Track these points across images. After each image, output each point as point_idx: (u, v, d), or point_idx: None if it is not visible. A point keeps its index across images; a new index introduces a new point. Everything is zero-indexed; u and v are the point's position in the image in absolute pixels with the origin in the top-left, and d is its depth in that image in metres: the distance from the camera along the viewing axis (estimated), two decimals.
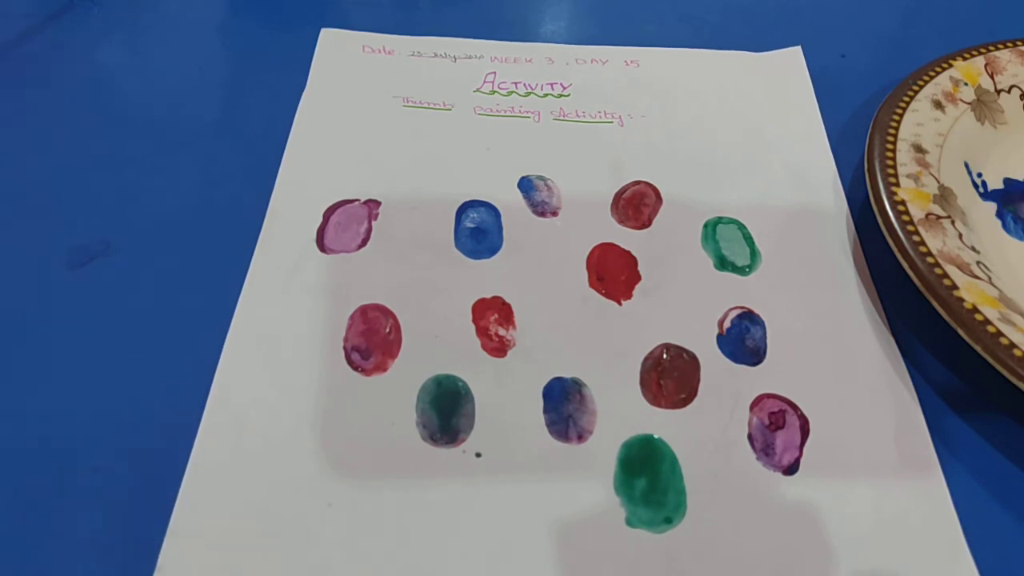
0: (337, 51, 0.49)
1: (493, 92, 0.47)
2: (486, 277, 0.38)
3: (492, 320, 0.37)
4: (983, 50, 0.46)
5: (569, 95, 0.47)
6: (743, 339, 0.36)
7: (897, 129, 0.41)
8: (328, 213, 0.40)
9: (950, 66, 0.44)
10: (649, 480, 0.32)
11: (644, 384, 0.35)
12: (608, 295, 0.38)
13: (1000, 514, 0.32)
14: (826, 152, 0.44)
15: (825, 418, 0.34)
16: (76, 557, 0.30)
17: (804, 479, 0.32)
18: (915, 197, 0.38)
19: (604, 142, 0.44)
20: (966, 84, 0.44)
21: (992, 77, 0.45)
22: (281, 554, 0.30)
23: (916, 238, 0.36)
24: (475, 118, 0.45)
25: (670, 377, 0.35)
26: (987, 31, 0.47)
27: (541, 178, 0.42)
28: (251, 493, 0.31)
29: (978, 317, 0.33)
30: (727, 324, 0.37)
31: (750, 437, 0.33)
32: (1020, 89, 0.45)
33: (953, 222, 0.38)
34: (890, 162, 0.39)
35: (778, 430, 0.34)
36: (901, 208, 0.37)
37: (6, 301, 0.37)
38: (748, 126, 0.45)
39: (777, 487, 0.32)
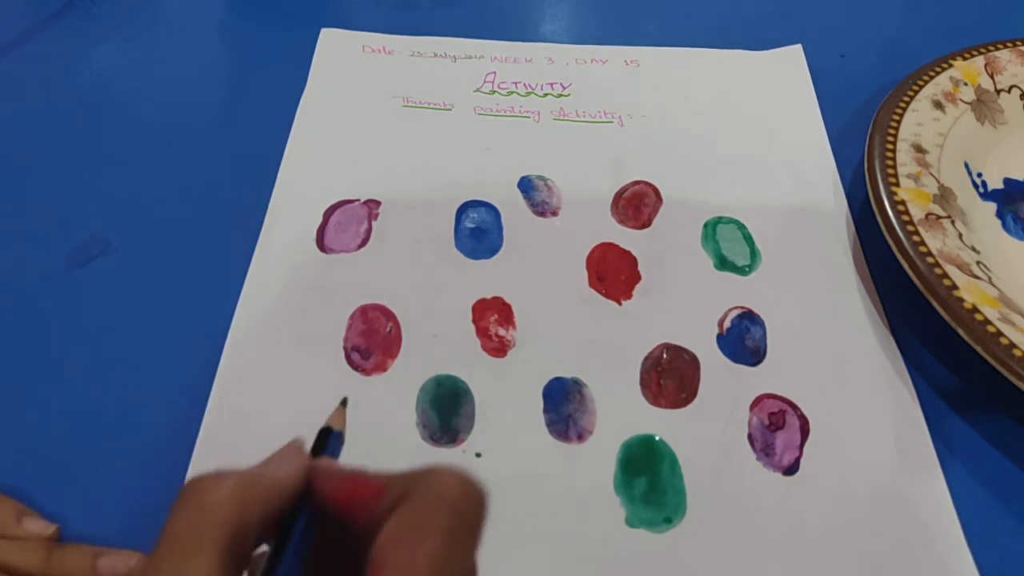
0: (337, 51, 0.49)
1: (493, 92, 0.47)
2: (486, 277, 0.38)
3: (492, 320, 0.37)
4: (983, 50, 0.46)
5: (569, 95, 0.47)
6: (743, 339, 0.36)
7: (897, 129, 0.41)
8: (328, 213, 0.40)
9: (950, 66, 0.44)
10: (649, 480, 0.32)
11: (644, 384, 0.35)
12: (608, 295, 0.38)
13: (1000, 514, 0.32)
14: (826, 152, 0.44)
15: (825, 418, 0.34)
16: None
17: (804, 479, 0.32)
18: (915, 197, 0.38)
19: (604, 142, 0.44)
20: (966, 84, 0.44)
21: (992, 77, 0.45)
22: None
23: (916, 238, 0.36)
24: (475, 118, 0.45)
25: (670, 377, 0.35)
26: (987, 31, 0.47)
27: (541, 178, 0.42)
28: None
29: (978, 317, 0.33)
30: (727, 324, 0.37)
31: (750, 437, 0.33)
32: (1020, 89, 0.45)
33: (953, 222, 0.38)
34: (890, 162, 0.39)
35: (778, 430, 0.34)
36: (901, 208, 0.37)
37: (6, 301, 0.37)
38: (748, 126, 0.45)
39: (777, 487, 0.32)
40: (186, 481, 0.18)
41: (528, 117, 0.45)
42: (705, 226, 0.40)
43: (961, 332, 0.33)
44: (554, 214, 0.41)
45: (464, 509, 0.18)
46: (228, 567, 0.17)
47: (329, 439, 0.22)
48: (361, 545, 0.17)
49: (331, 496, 0.19)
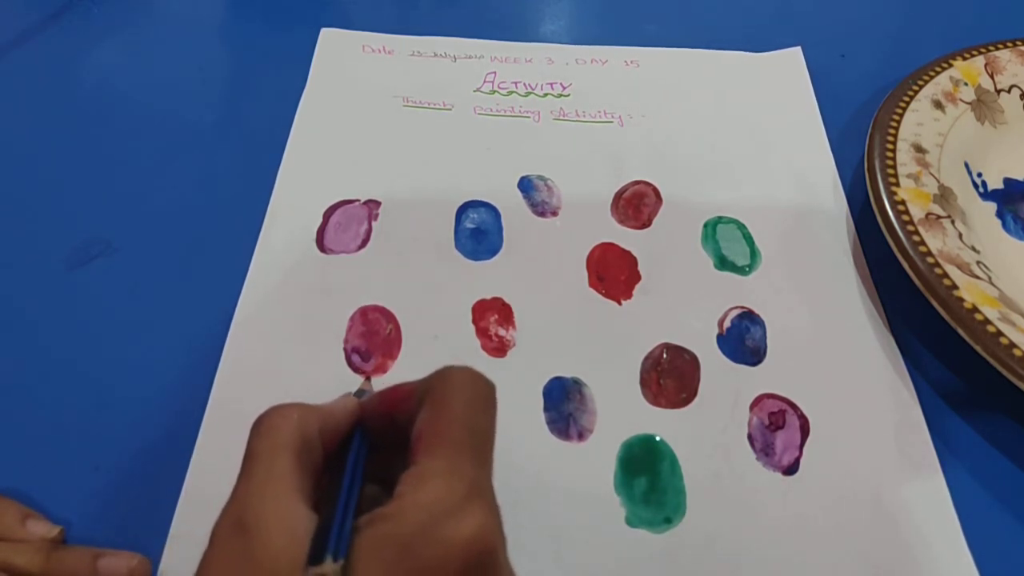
0: (337, 51, 0.49)
1: (493, 92, 0.47)
2: (486, 278, 0.38)
3: (492, 321, 0.37)
4: (983, 50, 0.46)
5: (569, 95, 0.47)
6: (743, 339, 0.36)
7: (897, 129, 0.41)
8: (328, 213, 0.40)
9: (950, 66, 0.44)
10: (649, 480, 0.32)
11: (644, 384, 0.35)
12: (608, 295, 0.38)
13: (1000, 514, 0.32)
14: (826, 152, 0.44)
15: (825, 418, 0.34)
16: None
17: (804, 479, 0.32)
18: (915, 197, 0.38)
19: (604, 142, 0.44)
20: (966, 84, 0.44)
21: (992, 77, 0.45)
22: None
23: (916, 238, 0.36)
24: (475, 118, 0.45)
25: (670, 377, 0.35)
26: (987, 31, 0.47)
27: (541, 178, 0.42)
28: None
29: (978, 317, 0.33)
30: (727, 324, 0.37)
31: (750, 437, 0.33)
32: (1020, 89, 0.45)
33: (953, 222, 0.38)
34: (890, 162, 0.39)
35: (778, 430, 0.34)
36: (901, 208, 0.37)
37: (6, 301, 0.37)
38: (748, 126, 0.45)
39: (777, 487, 0.32)
40: (256, 417, 0.22)
41: (528, 117, 0.45)
42: (705, 226, 0.41)
43: (961, 332, 0.33)
44: (554, 214, 0.41)
45: (475, 386, 0.22)
46: (301, 467, 0.21)
47: (362, 397, 0.27)
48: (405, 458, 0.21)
49: (376, 409, 0.24)
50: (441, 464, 0.20)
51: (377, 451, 0.24)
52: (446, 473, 0.20)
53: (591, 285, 0.38)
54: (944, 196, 0.39)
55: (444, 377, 0.22)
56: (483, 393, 0.23)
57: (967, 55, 0.45)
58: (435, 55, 0.49)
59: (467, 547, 0.18)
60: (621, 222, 0.41)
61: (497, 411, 0.23)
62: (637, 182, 0.42)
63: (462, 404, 0.22)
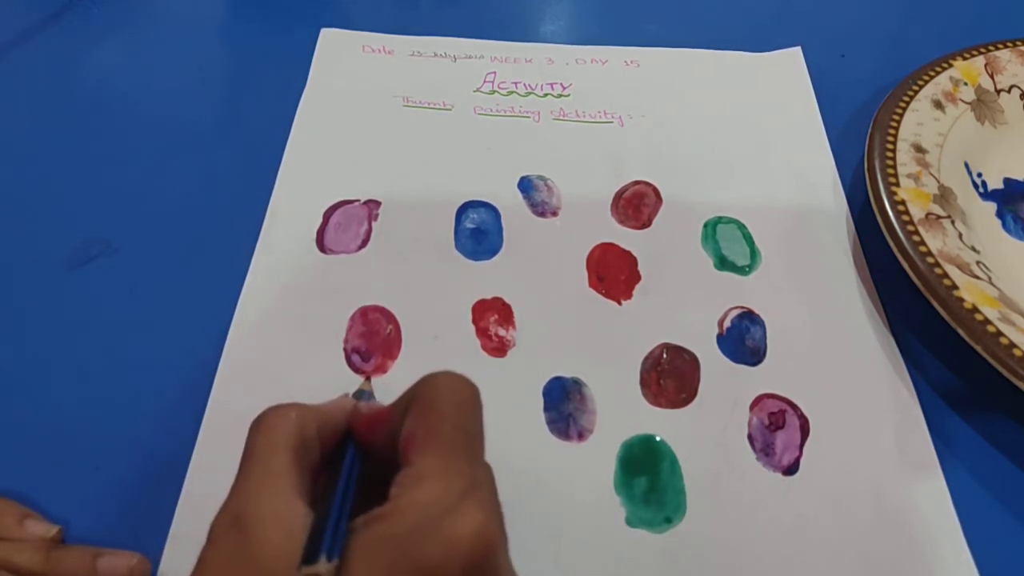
0: (337, 51, 0.49)
1: (493, 92, 0.47)
2: (486, 278, 0.38)
3: (492, 321, 0.37)
4: (983, 50, 0.46)
5: (569, 95, 0.47)
6: (743, 339, 0.36)
7: (897, 129, 0.41)
8: (328, 213, 0.40)
9: (950, 66, 0.44)
10: (649, 480, 0.32)
11: (644, 384, 0.35)
12: (608, 295, 0.38)
13: (1000, 514, 0.32)
14: (826, 152, 0.44)
15: (825, 418, 0.34)
16: None
17: (804, 479, 0.32)
18: (915, 197, 0.38)
19: (604, 142, 0.44)
20: (966, 84, 0.44)
21: (992, 77, 0.45)
22: None
23: (916, 238, 0.36)
24: (475, 118, 0.45)
25: (670, 377, 0.35)
26: (987, 31, 0.47)
27: (541, 178, 0.42)
28: None
29: (978, 317, 0.33)
30: (727, 324, 0.37)
31: (750, 437, 0.33)
32: (1020, 89, 0.45)
33: (953, 222, 0.38)
34: (890, 162, 0.39)
35: (778, 430, 0.34)
36: (901, 208, 0.37)
37: (7, 301, 0.37)
38: (748, 126, 0.45)
39: (777, 487, 0.32)
40: (256, 416, 0.23)
41: (528, 117, 0.45)
42: (705, 226, 0.40)
43: (961, 332, 0.33)
44: (554, 214, 0.41)
45: (462, 389, 0.23)
46: (298, 466, 0.21)
47: (362, 397, 0.28)
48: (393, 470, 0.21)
49: (360, 425, 0.24)
50: (436, 463, 0.20)
51: (372, 456, 0.24)
52: (442, 472, 0.20)
53: (591, 285, 0.38)
54: (944, 196, 0.39)
55: (429, 383, 0.23)
56: (469, 395, 0.23)
57: (967, 55, 0.45)
58: (435, 55, 0.49)
59: (467, 546, 0.18)
60: (621, 222, 0.41)
61: (483, 412, 0.23)
62: (637, 182, 0.42)
63: (451, 406, 0.22)
